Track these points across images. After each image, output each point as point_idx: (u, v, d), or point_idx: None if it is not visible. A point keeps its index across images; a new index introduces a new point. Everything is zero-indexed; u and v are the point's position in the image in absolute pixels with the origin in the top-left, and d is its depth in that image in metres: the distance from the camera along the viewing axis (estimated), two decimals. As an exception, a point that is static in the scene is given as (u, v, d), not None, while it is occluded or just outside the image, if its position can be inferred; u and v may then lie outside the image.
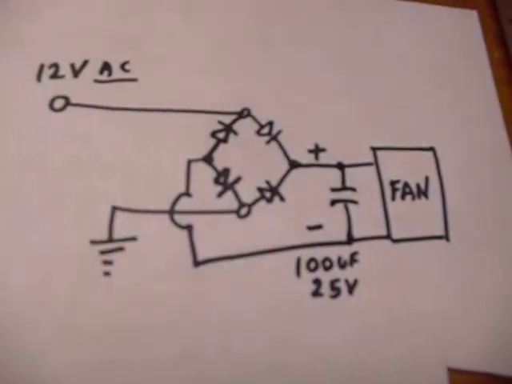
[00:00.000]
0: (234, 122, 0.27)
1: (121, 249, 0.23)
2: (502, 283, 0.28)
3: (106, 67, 0.26)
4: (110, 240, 0.23)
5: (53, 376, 0.21)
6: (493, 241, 0.28)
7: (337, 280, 0.25)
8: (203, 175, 0.25)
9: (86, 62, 0.26)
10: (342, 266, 0.25)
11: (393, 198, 0.28)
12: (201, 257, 0.24)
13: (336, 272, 0.25)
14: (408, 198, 0.28)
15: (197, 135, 0.26)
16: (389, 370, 0.24)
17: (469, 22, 0.34)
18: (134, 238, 0.23)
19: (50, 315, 0.21)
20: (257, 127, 0.27)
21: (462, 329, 0.26)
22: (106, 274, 0.22)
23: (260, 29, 0.29)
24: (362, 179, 0.27)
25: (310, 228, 0.26)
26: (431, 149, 0.29)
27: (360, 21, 0.32)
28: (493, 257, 0.28)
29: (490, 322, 0.27)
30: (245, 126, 0.27)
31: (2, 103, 0.24)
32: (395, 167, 0.28)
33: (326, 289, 0.25)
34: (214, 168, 0.25)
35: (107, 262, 0.23)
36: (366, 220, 0.27)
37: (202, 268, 0.23)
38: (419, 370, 0.25)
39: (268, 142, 0.27)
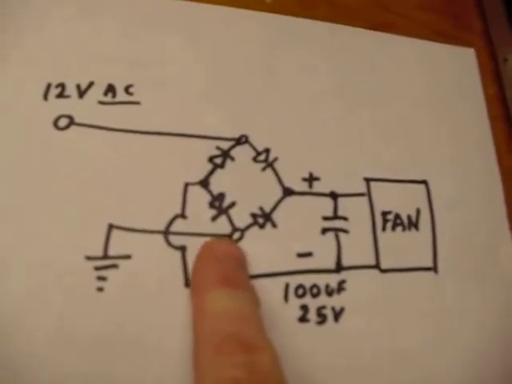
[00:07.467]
0: (231, 148, 0.27)
1: (115, 266, 0.24)
2: (488, 317, 0.28)
3: (110, 89, 0.27)
4: (105, 257, 0.24)
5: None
6: (480, 275, 0.29)
7: (323, 307, 0.26)
8: (199, 198, 0.26)
9: (91, 84, 0.27)
10: (329, 293, 0.26)
11: (383, 229, 0.28)
12: (192, 278, 0.24)
13: (323, 299, 0.26)
14: (399, 229, 0.28)
15: (195, 159, 0.26)
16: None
17: (466, 59, 0.35)
18: (128, 256, 0.24)
19: (42, 325, 0.22)
20: (254, 154, 0.27)
21: (446, 362, 0.26)
22: (100, 289, 0.23)
23: (261, 58, 0.30)
24: (354, 209, 0.28)
25: (300, 255, 0.26)
26: (424, 182, 0.30)
27: (358, 53, 0.32)
28: (480, 290, 0.29)
29: (475, 354, 0.27)
30: (242, 153, 0.27)
31: (7, 119, 0.25)
32: (387, 198, 0.29)
33: (312, 315, 0.25)
34: (210, 192, 0.26)
35: (101, 278, 0.23)
36: (356, 249, 0.27)
37: (192, 289, 0.24)
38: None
39: (264, 169, 0.27)
